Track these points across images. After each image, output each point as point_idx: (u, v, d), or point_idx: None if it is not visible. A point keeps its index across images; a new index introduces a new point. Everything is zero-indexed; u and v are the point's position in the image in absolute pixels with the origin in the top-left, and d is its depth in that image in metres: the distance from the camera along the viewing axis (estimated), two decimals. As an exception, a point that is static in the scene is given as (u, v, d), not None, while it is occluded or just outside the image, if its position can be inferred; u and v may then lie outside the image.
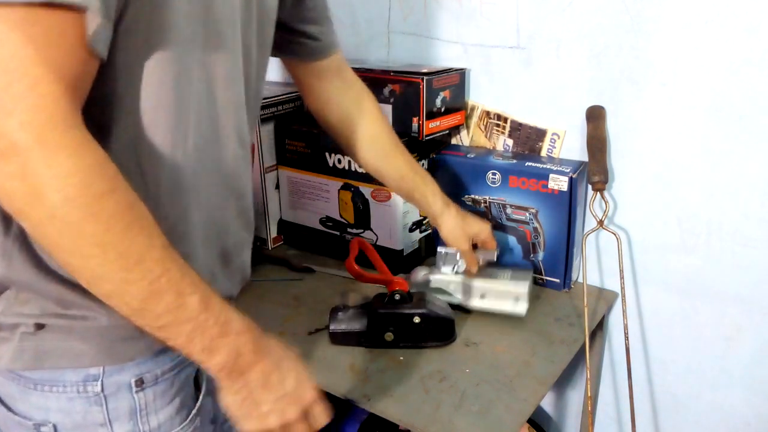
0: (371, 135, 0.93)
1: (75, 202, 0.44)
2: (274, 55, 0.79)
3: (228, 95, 0.62)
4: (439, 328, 0.95)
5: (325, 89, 0.90)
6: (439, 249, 1.06)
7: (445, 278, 1.04)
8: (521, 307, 1.01)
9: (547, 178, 1.06)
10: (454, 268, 1.05)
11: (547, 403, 1.34)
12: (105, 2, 0.46)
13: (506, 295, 1.02)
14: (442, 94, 1.12)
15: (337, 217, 1.23)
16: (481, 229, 1.02)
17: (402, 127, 1.12)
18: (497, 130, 1.20)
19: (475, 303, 1.03)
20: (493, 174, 1.11)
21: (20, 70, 0.43)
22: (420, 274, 1.07)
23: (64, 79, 0.45)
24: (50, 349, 0.58)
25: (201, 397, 0.69)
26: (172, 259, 0.50)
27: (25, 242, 0.56)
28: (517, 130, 1.18)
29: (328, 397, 0.88)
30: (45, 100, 0.44)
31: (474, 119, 1.22)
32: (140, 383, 0.62)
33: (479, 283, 1.03)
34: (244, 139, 0.67)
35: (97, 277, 0.48)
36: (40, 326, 0.58)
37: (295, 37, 0.82)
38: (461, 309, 1.05)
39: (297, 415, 0.59)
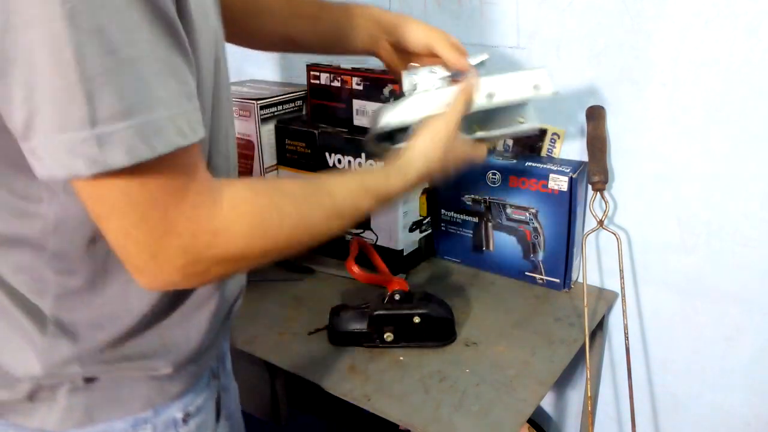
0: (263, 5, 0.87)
1: (268, 244, 0.53)
2: None
3: (227, 113, 0.65)
4: (439, 328, 0.96)
5: None
6: (403, 74, 0.81)
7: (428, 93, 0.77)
8: (546, 89, 0.80)
9: (547, 178, 1.06)
10: (432, 84, 0.80)
11: (547, 403, 1.34)
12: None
13: (520, 82, 0.80)
14: (442, 94, 1.12)
15: (337, 217, 1.22)
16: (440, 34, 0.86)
17: (402, 127, 1.12)
18: (497, 130, 1.20)
19: (484, 102, 0.77)
20: (493, 174, 1.11)
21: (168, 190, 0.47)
22: (385, 110, 0.79)
23: (196, 166, 0.48)
24: (101, 402, 0.58)
25: (221, 420, 0.70)
26: (343, 194, 0.60)
27: (62, 331, 0.55)
28: (517, 130, 1.18)
29: (329, 397, 0.88)
30: (198, 197, 0.48)
31: (474, 119, 1.22)
32: (187, 417, 0.63)
33: (482, 80, 0.79)
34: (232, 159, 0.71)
35: (304, 249, 0.57)
36: (89, 380, 0.57)
37: None
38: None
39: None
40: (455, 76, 0.79)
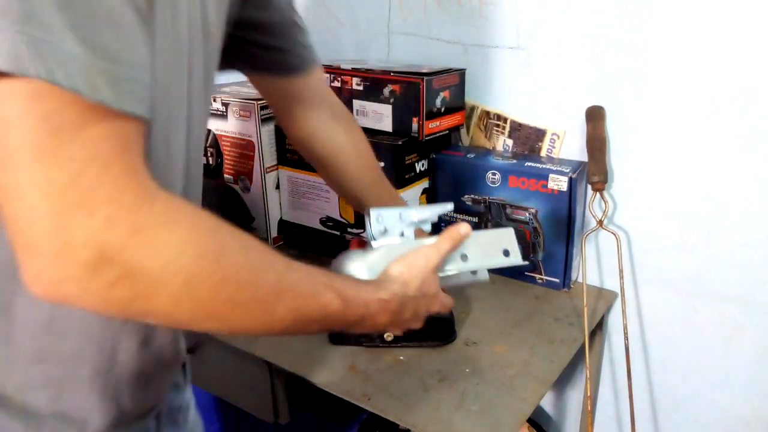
0: (358, 168, 0.85)
1: (199, 277, 0.40)
2: (245, 73, 0.75)
3: (178, 143, 0.53)
4: (439, 328, 0.96)
5: (311, 117, 0.80)
6: (371, 211, 0.73)
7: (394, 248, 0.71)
8: (516, 257, 0.80)
9: (546, 178, 1.06)
10: (399, 231, 0.72)
11: (547, 403, 1.34)
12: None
13: (492, 246, 0.79)
14: (441, 95, 1.12)
15: (338, 217, 1.23)
16: None
17: (402, 127, 1.13)
18: (497, 131, 1.20)
19: (453, 267, 0.75)
20: (493, 174, 1.11)
21: (88, 152, 0.36)
22: (349, 261, 0.69)
23: (128, 147, 0.38)
24: None
25: None
26: (301, 274, 0.50)
27: None
28: (517, 130, 1.18)
29: (329, 397, 0.88)
30: (127, 178, 0.38)
31: (474, 119, 1.23)
32: None
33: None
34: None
35: (240, 329, 0.46)
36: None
37: (257, 50, 0.73)
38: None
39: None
40: (421, 225, 0.75)
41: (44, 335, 0.50)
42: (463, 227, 0.72)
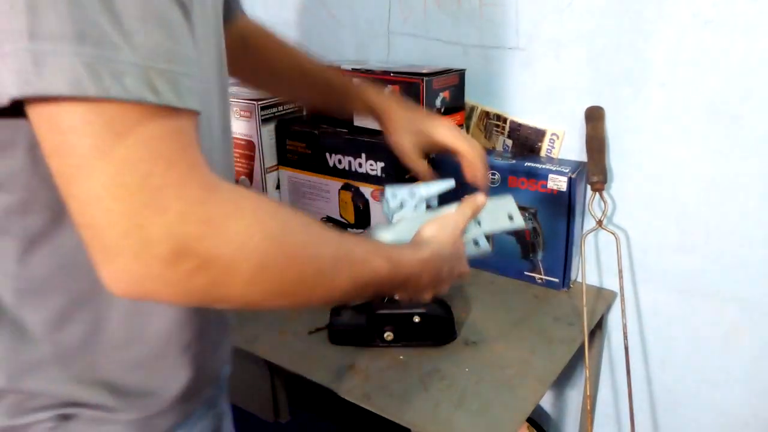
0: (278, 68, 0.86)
1: (268, 257, 0.42)
2: None
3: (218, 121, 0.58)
4: (439, 328, 0.96)
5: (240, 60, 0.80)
6: (387, 189, 0.81)
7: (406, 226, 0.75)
8: (519, 221, 0.84)
9: (546, 178, 1.06)
10: (413, 204, 0.81)
11: (547, 402, 1.35)
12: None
13: (498, 212, 0.83)
14: (441, 95, 1.13)
15: (338, 217, 1.23)
16: (444, 130, 0.87)
17: (402, 128, 1.13)
18: (497, 131, 1.21)
19: (472, 233, 0.80)
20: (493, 174, 1.11)
21: (153, 152, 0.38)
22: (379, 232, 0.76)
23: (188, 143, 0.40)
24: None
25: None
26: (352, 243, 0.53)
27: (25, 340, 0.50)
28: (517, 130, 1.18)
29: (329, 397, 0.89)
30: (191, 173, 0.39)
31: (473, 120, 1.23)
32: None
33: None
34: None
35: (305, 302, 0.48)
36: (65, 417, 0.52)
37: None
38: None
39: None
40: (429, 201, 0.83)
41: (133, 320, 0.53)
42: (480, 197, 0.78)
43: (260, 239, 0.42)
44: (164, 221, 0.37)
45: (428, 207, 0.83)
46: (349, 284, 0.50)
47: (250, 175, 1.27)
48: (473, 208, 0.76)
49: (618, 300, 1.12)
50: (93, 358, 0.52)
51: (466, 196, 0.78)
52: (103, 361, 0.53)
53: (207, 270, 0.39)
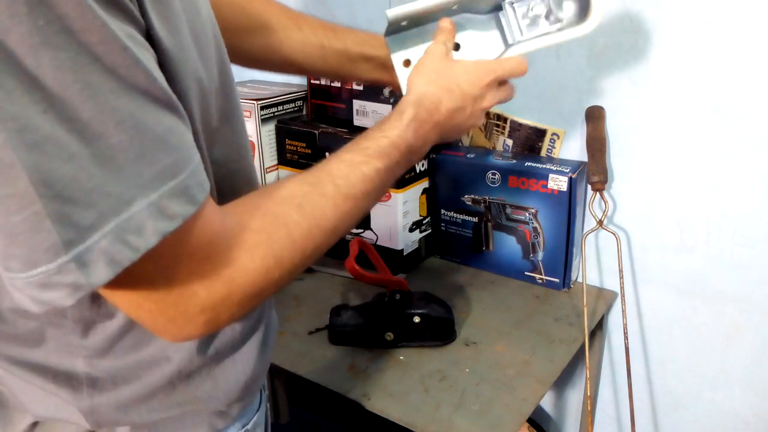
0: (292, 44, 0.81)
1: (283, 263, 0.47)
2: None
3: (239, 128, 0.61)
4: (439, 328, 0.96)
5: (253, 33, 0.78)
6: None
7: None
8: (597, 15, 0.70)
9: (546, 178, 1.06)
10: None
11: (547, 403, 1.34)
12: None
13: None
14: (442, 95, 1.12)
15: (337, 217, 1.23)
16: None
17: (402, 127, 1.13)
18: (497, 130, 1.20)
19: (519, 35, 0.72)
20: (493, 174, 1.11)
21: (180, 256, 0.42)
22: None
23: (204, 223, 0.43)
24: None
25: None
26: (343, 173, 0.54)
27: (97, 388, 0.53)
28: (517, 130, 1.18)
29: (329, 397, 0.89)
30: (209, 248, 0.43)
31: (474, 119, 1.22)
32: None
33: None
34: None
35: (339, 235, 0.54)
36: (150, 425, 0.56)
37: None
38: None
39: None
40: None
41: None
42: (444, 21, 0.72)
43: (275, 264, 0.47)
44: (197, 302, 0.43)
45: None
46: (364, 207, 0.56)
47: (249, 175, 1.27)
48: (446, 34, 0.70)
49: (618, 300, 1.12)
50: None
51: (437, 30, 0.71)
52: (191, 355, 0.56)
53: (240, 307, 0.46)
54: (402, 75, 0.73)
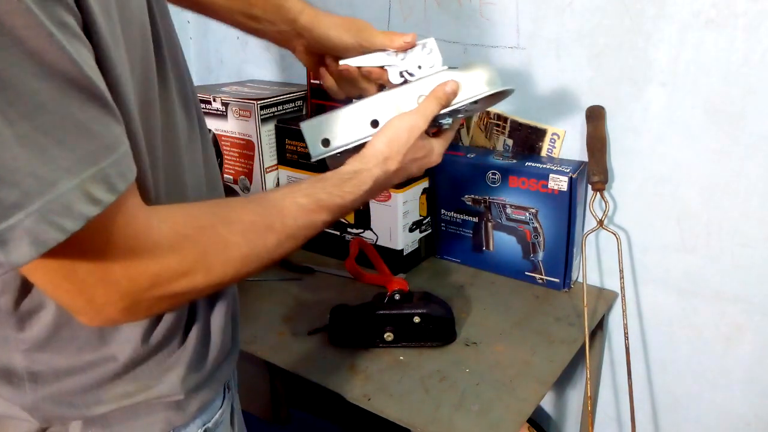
0: None
1: (211, 274, 0.49)
2: None
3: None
4: (439, 328, 0.96)
5: None
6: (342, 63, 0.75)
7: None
8: (497, 82, 0.74)
9: (547, 178, 1.06)
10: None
11: (547, 403, 1.34)
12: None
13: (471, 78, 0.74)
14: (442, 94, 1.12)
15: (337, 217, 1.23)
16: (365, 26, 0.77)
17: (402, 127, 1.12)
18: (497, 130, 1.20)
19: (447, 116, 0.73)
20: (493, 174, 1.11)
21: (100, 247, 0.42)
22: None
23: (129, 212, 0.44)
24: (119, 430, 0.56)
25: (236, 428, 0.70)
26: (293, 212, 0.56)
27: (38, 383, 0.53)
28: (517, 130, 1.18)
29: (329, 397, 0.88)
30: (136, 239, 0.44)
31: (474, 119, 1.23)
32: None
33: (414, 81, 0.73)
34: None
35: (255, 273, 0.54)
36: (99, 415, 0.55)
37: None
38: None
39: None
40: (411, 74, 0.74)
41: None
42: (450, 85, 0.72)
43: (204, 272, 0.48)
44: (117, 288, 0.44)
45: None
46: (298, 248, 0.57)
47: (249, 175, 1.27)
48: (439, 104, 0.70)
49: (619, 300, 1.12)
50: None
51: (435, 88, 0.71)
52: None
53: (162, 303, 0.48)
54: (369, 133, 0.72)
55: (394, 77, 0.75)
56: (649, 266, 1.11)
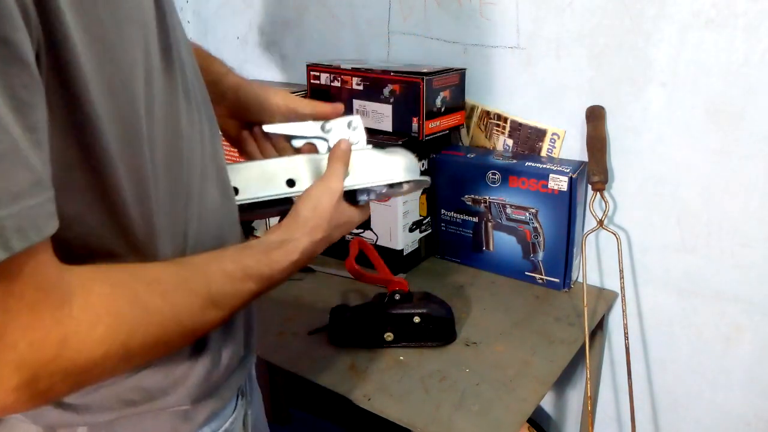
0: None
1: (134, 348, 0.43)
2: None
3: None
4: (439, 328, 0.96)
5: None
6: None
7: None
8: (414, 171, 0.74)
9: (547, 178, 1.06)
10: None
11: (547, 403, 1.34)
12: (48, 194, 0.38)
13: (391, 163, 0.73)
14: (442, 94, 1.12)
15: (337, 217, 1.23)
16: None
17: (402, 127, 1.13)
18: (497, 130, 1.20)
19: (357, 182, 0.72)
20: (493, 174, 1.11)
21: None
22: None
23: (37, 269, 0.38)
24: None
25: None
26: (219, 282, 0.51)
27: None
28: (517, 130, 1.18)
29: (329, 397, 0.88)
30: (41, 299, 0.38)
31: (474, 119, 1.23)
32: None
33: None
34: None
35: (189, 340, 0.51)
36: (105, 422, 0.53)
37: None
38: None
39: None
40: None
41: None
42: (341, 144, 0.70)
43: (120, 341, 0.42)
44: (12, 357, 0.37)
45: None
46: (223, 321, 0.52)
47: (249, 175, 1.27)
48: (342, 162, 0.69)
49: (619, 300, 1.12)
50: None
51: (331, 151, 0.70)
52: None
53: (66, 382, 0.40)
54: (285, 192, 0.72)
55: (321, 149, 0.74)
56: (649, 266, 1.11)
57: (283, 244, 0.60)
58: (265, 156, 0.78)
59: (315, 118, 0.75)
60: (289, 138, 0.75)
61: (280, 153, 0.78)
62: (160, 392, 0.54)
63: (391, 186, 0.73)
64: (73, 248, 0.43)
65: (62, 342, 0.38)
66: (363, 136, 0.75)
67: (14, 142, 0.35)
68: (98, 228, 0.46)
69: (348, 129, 0.75)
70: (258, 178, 0.69)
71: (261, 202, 0.69)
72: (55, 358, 0.38)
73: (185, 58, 0.55)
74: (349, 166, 0.70)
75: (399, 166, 0.73)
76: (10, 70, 0.34)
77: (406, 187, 0.74)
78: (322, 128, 0.74)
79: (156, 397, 0.54)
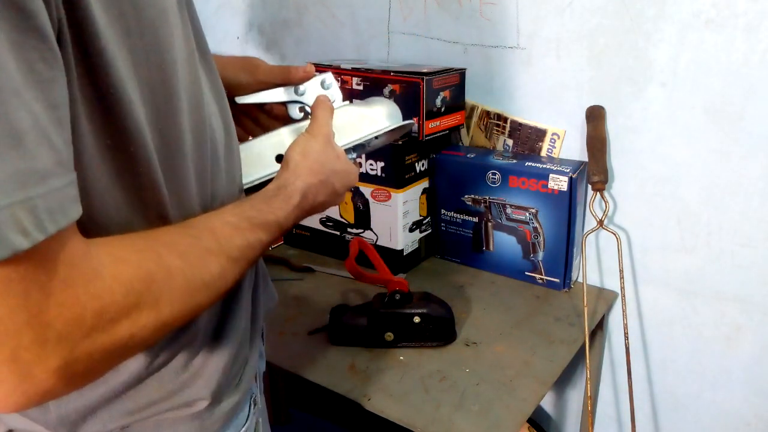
0: None
1: (160, 305, 0.42)
2: None
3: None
4: (439, 328, 0.96)
5: None
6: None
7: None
8: (397, 116, 0.76)
9: (547, 178, 1.06)
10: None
11: (547, 403, 1.34)
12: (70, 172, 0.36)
13: (373, 114, 0.75)
14: (442, 94, 1.12)
15: (337, 217, 1.23)
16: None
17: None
18: (497, 130, 1.20)
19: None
20: (493, 174, 1.11)
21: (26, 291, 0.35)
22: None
23: (61, 258, 0.36)
24: None
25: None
26: (228, 235, 0.51)
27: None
28: (517, 130, 1.18)
29: (329, 397, 0.88)
30: (67, 283, 0.36)
31: (474, 119, 1.23)
32: None
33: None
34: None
35: (214, 299, 0.49)
36: (122, 427, 0.53)
37: None
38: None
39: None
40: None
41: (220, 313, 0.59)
42: (322, 98, 0.70)
43: (151, 304, 0.41)
44: (50, 336, 0.35)
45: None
46: (241, 274, 0.52)
47: (249, 175, 1.27)
48: (323, 106, 0.68)
49: (619, 300, 1.12)
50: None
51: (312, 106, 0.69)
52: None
53: (106, 357, 0.39)
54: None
55: (294, 113, 0.73)
56: (649, 266, 1.11)
57: (280, 191, 0.60)
58: (244, 130, 0.77)
59: (289, 84, 0.73)
60: (262, 106, 0.75)
61: (259, 124, 0.77)
62: (179, 386, 0.54)
63: (376, 137, 0.73)
64: (97, 223, 0.43)
65: (99, 315, 0.37)
66: (338, 94, 0.74)
67: (36, 119, 0.33)
68: (126, 206, 0.46)
69: (322, 88, 0.74)
70: (246, 162, 0.67)
71: (259, 184, 0.67)
72: (90, 332, 0.37)
73: (199, 28, 0.55)
74: (333, 126, 0.69)
75: (381, 114, 0.73)
76: (27, 41, 0.33)
77: (393, 134, 0.75)
78: (296, 92, 0.73)
79: (175, 392, 0.54)
